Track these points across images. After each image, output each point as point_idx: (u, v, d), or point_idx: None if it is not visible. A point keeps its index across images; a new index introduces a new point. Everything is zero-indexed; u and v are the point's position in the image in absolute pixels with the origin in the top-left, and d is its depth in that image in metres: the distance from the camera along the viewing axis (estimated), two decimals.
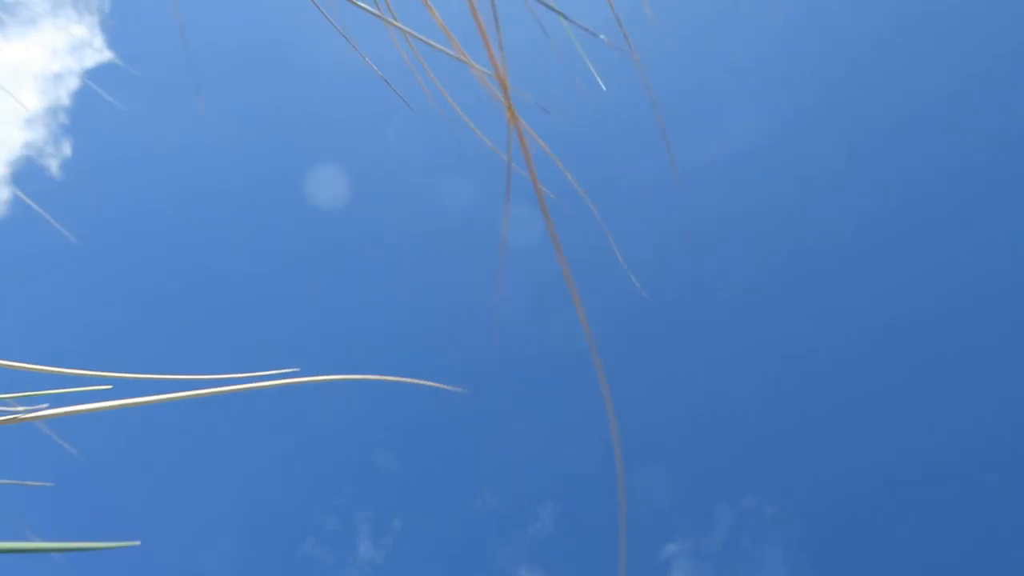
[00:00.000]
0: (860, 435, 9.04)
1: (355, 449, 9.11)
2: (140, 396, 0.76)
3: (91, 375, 0.88)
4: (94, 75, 9.37)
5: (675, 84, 9.57)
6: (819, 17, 9.59)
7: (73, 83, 9.35)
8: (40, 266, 9.18)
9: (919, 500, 8.73)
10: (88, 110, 9.52)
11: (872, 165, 9.49)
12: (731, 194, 9.61)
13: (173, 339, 9.25)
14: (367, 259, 9.74)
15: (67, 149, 9.32)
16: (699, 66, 9.61)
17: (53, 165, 9.26)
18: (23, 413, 0.73)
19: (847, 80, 9.49)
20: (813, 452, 9.07)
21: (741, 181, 9.55)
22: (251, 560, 8.64)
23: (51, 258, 9.22)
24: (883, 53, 9.51)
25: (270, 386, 0.85)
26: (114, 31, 9.33)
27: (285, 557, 8.55)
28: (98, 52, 9.34)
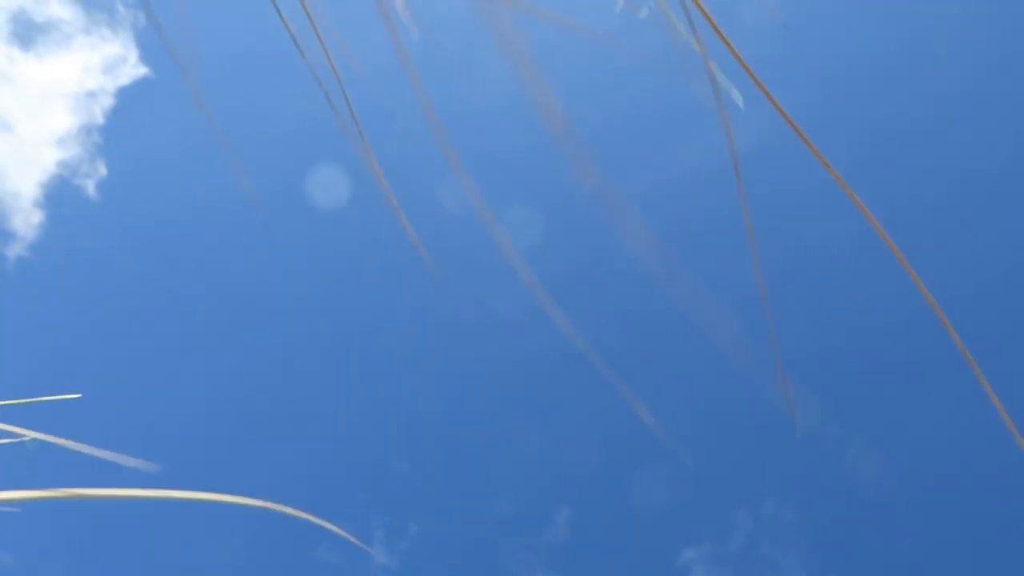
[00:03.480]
0: (879, 440, 8.93)
1: (370, 454, 9.03)
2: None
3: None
4: (129, 92, 9.19)
5: (673, 84, 9.42)
6: (819, 16, 9.46)
7: (107, 101, 9.20)
8: (76, 285, 9.06)
9: (939, 506, 8.62)
10: (123, 128, 9.35)
11: (873, 166, 9.38)
12: (732, 195, 9.48)
13: (186, 343, 9.17)
14: (369, 260, 9.66)
15: (102, 168, 9.16)
16: (697, 67, 9.46)
17: (89, 185, 9.08)
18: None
19: (847, 80, 9.38)
20: (832, 457, 8.97)
21: (744, 181, 9.44)
22: (264, 565, 8.57)
23: (86, 276, 9.10)
24: (884, 52, 9.38)
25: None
26: (148, 46, 9.17)
27: (299, 562, 8.48)
28: (133, 68, 9.17)
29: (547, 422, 9.28)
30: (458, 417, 9.24)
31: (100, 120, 9.20)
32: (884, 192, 9.31)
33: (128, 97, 9.24)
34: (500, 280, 9.37)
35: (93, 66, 9.16)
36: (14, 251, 8.73)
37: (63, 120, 9.13)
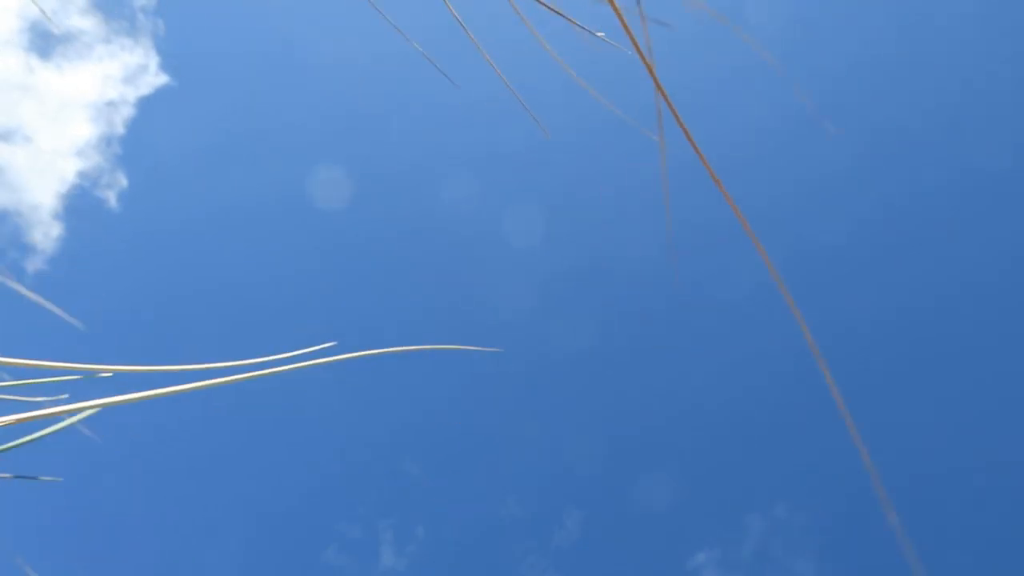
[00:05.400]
0: (893, 443, 8.85)
1: (378, 456, 9.05)
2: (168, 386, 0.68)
3: (109, 369, 0.80)
4: (149, 101, 9.08)
5: (673, 84, 9.45)
6: (818, 16, 9.45)
7: (128, 111, 9.06)
8: (97, 299, 9.04)
9: (955, 509, 8.53)
10: (144, 138, 9.20)
11: (872, 166, 9.34)
12: (734, 195, 9.47)
13: (206, 353, 9.22)
14: (370, 260, 9.67)
15: (123, 179, 9.01)
16: (698, 67, 9.49)
17: (110, 196, 8.92)
18: (54, 407, 0.66)
19: (847, 80, 9.35)
20: (845, 460, 8.89)
21: (742, 182, 9.41)
22: (272, 568, 8.59)
23: (107, 289, 9.09)
24: (883, 53, 9.36)
25: (301, 367, 0.78)
26: (169, 55, 9.12)
27: (307, 565, 8.50)
28: (153, 77, 9.07)
29: (557, 424, 9.27)
30: (466, 418, 9.25)
31: (120, 130, 9.10)
32: (883, 191, 9.27)
33: (148, 106, 9.15)
34: (506, 280, 9.39)
35: (113, 76, 9.08)
36: (33, 265, 8.55)
37: (83, 131, 8.97)
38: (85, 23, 9.11)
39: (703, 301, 9.35)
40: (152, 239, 9.22)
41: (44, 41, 8.87)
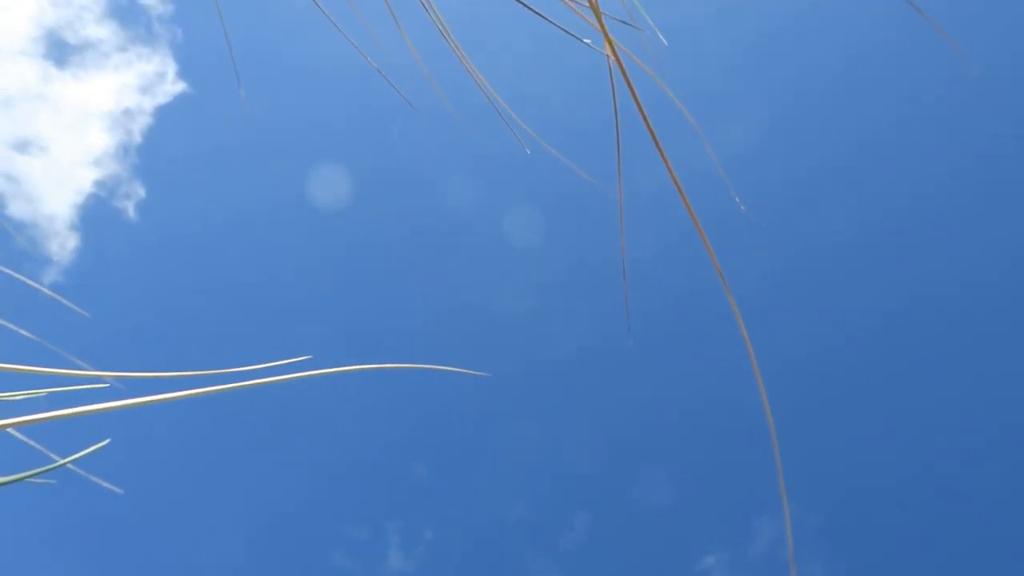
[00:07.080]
0: (902, 445, 8.80)
1: (386, 458, 9.07)
2: (152, 395, 0.69)
3: (98, 375, 0.82)
4: (167, 110, 8.96)
5: (673, 84, 9.42)
6: (817, 16, 9.42)
7: (145, 120, 8.94)
8: (114, 312, 9.00)
9: (964, 511, 8.47)
10: (161, 147, 9.07)
11: (871, 165, 9.30)
12: (732, 194, 9.44)
13: (223, 362, 9.25)
14: (370, 260, 9.67)
15: (140, 189, 8.89)
16: (696, 66, 9.47)
17: (128, 207, 8.79)
18: (17, 417, 0.67)
19: (846, 80, 9.31)
20: (855, 462, 8.85)
21: (741, 182, 9.39)
22: (280, 570, 8.62)
23: (124, 302, 9.05)
24: (880, 52, 9.32)
25: (285, 379, 0.79)
26: (186, 63, 9.04)
27: (314, 567, 8.52)
28: (171, 86, 8.91)
29: (565, 425, 9.27)
30: (473, 420, 9.26)
31: (138, 139, 8.96)
32: (880, 191, 9.23)
33: (166, 115, 9.05)
34: (506, 280, 9.39)
35: (130, 84, 8.90)
36: (49, 276, 8.36)
37: (100, 140, 8.82)
38: (101, 31, 9.05)
39: (709, 299, 9.33)
40: (170, 249, 9.17)
41: (60, 50, 8.82)
